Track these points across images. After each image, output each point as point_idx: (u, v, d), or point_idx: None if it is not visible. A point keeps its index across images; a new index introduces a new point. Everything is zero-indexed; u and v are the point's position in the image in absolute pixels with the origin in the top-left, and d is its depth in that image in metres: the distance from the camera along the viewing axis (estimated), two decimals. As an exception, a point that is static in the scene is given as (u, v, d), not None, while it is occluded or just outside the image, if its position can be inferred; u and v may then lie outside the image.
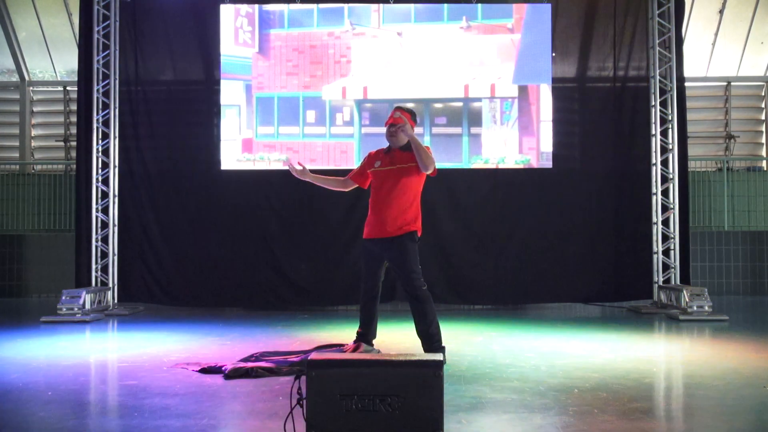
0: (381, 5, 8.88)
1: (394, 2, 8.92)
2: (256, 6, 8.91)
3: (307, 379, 3.27)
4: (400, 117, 5.30)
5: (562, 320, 8.28)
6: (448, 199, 8.91)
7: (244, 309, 9.04)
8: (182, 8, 9.11)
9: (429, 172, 5.21)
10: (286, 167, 8.76)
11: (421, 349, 5.19)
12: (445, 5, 8.91)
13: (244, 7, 8.91)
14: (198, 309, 8.92)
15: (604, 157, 9.07)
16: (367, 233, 5.38)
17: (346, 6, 8.89)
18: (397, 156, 5.31)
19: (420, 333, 5.19)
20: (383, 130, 5.41)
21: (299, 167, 5.61)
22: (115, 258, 8.86)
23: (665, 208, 8.89)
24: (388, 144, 5.40)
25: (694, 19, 11.27)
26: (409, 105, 8.71)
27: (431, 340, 5.14)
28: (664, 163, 8.90)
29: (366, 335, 5.49)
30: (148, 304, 9.04)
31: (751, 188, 11.01)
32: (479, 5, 8.87)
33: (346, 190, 5.79)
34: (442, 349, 5.14)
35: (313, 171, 5.71)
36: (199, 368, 4.98)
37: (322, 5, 8.93)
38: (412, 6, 8.91)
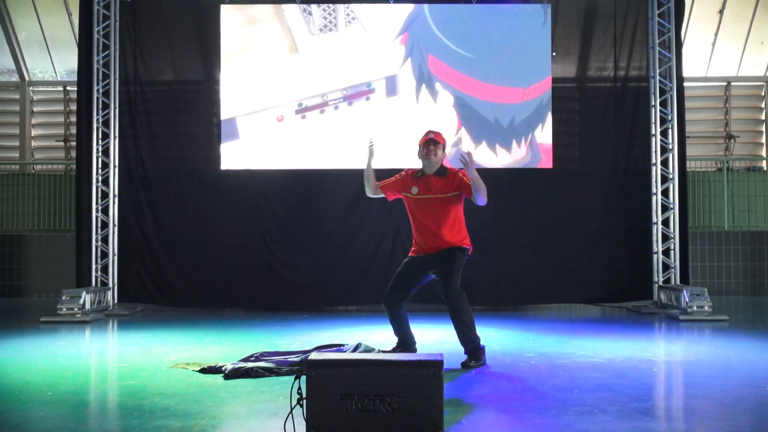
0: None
1: (394, 2, 8.92)
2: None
3: (307, 379, 3.27)
4: (439, 134, 5.33)
5: (562, 320, 8.29)
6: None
7: (243, 309, 9.04)
8: (182, 8, 9.11)
9: (483, 201, 5.18)
10: (286, 168, 8.87)
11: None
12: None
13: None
14: (197, 309, 8.92)
15: (604, 157, 9.08)
16: (417, 252, 5.33)
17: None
18: (433, 183, 5.26)
19: (457, 332, 5.22)
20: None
21: (372, 149, 5.52)
22: (115, 258, 8.86)
23: (665, 208, 8.89)
24: (421, 166, 5.36)
25: (694, 19, 11.27)
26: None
27: (469, 339, 5.17)
28: (664, 163, 8.90)
29: (405, 344, 5.44)
30: (148, 305, 9.03)
31: (751, 188, 11.02)
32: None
33: (374, 196, 5.67)
34: (481, 349, 5.19)
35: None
36: (199, 368, 4.98)
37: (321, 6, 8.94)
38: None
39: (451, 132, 8.65)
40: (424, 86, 8.82)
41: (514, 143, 8.81)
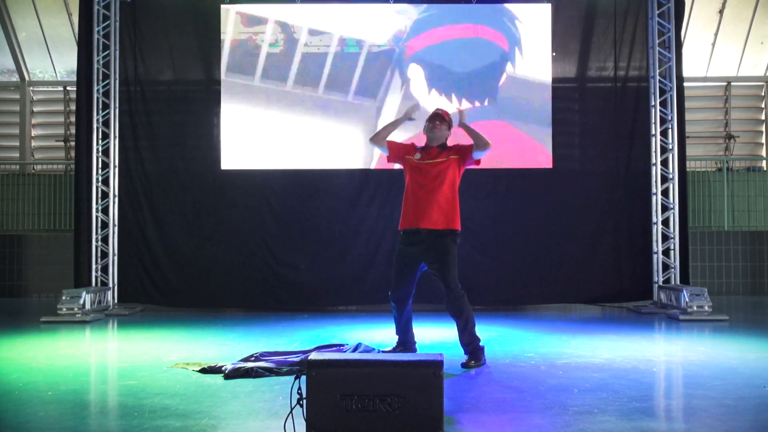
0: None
1: (393, 2, 8.93)
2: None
3: (307, 379, 3.27)
4: (446, 112, 5.46)
5: (562, 320, 8.29)
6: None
7: (243, 309, 9.04)
8: (182, 8, 9.11)
9: (486, 151, 5.28)
10: (286, 168, 8.87)
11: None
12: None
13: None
14: (197, 309, 8.91)
15: (604, 157, 9.07)
16: (406, 224, 5.29)
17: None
18: (435, 152, 5.36)
19: (458, 333, 5.21)
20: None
21: (407, 117, 5.61)
22: (115, 258, 8.86)
23: (665, 208, 8.89)
24: (425, 140, 5.43)
25: (694, 19, 11.27)
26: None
27: (469, 340, 5.18)
28: (664, 163, 8.90)
29: (406, 343, 5.44)
30: (148, 305, 9.02)
31: (751, 188, 11.02)
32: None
33: (376, 145, 5.56)
34: (481, 349, 5.19)
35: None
36: (199, 368, 4.98)
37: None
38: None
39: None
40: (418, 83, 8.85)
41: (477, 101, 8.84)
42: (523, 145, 8.86)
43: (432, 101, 8.74)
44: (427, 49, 8.88)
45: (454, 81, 8.87)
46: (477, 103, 8.84)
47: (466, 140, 5.39)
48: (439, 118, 5.40)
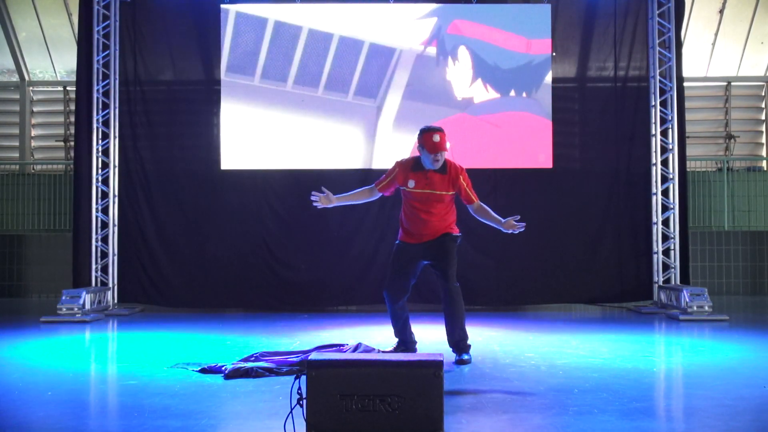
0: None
1: (393, 2, 8.93)
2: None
3: (307, 379, 3.27)
4: (444, 135, 5.20)
5: (562, 320, 8.29)
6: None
7: (243, 309, 9.04)
8: (182, 8, 9.10)
9: (474, 215, 5.45)
10: (286, 168, 8.87)
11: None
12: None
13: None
14: (198, 309, 8.92)
15: (604, 157, 9.07)
16: (405, 239, 5.29)
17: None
18: (435, 179, 5.19)
19: (450, 329, 5.21)
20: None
21: (323, 194, 5.30)
22: (115, 258, 8.85)
23: (665, 208, 8.89)
24: (419, 159, 5.23)
25: (694, 19, 11.26)
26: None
27: (462, 335, 5.19)
28: (664, 163, 8.90)
29: (406, 342, 5.42)
30: (148, 305, 9.02)
31: (751, 188, 11.01)
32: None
33: (373, 199, 5.55)
34: (467, 347, 5.21)
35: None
36: (199, 368, 4.98)
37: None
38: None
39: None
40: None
41: (513, 90, 8.84)
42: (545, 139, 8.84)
43: (474, 91, 8.77)
44: (476, 41, 8.82)
45: (499, 75, 8.84)
46: (513, 92, 8.84)
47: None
48: (444, 148, 5.14)
